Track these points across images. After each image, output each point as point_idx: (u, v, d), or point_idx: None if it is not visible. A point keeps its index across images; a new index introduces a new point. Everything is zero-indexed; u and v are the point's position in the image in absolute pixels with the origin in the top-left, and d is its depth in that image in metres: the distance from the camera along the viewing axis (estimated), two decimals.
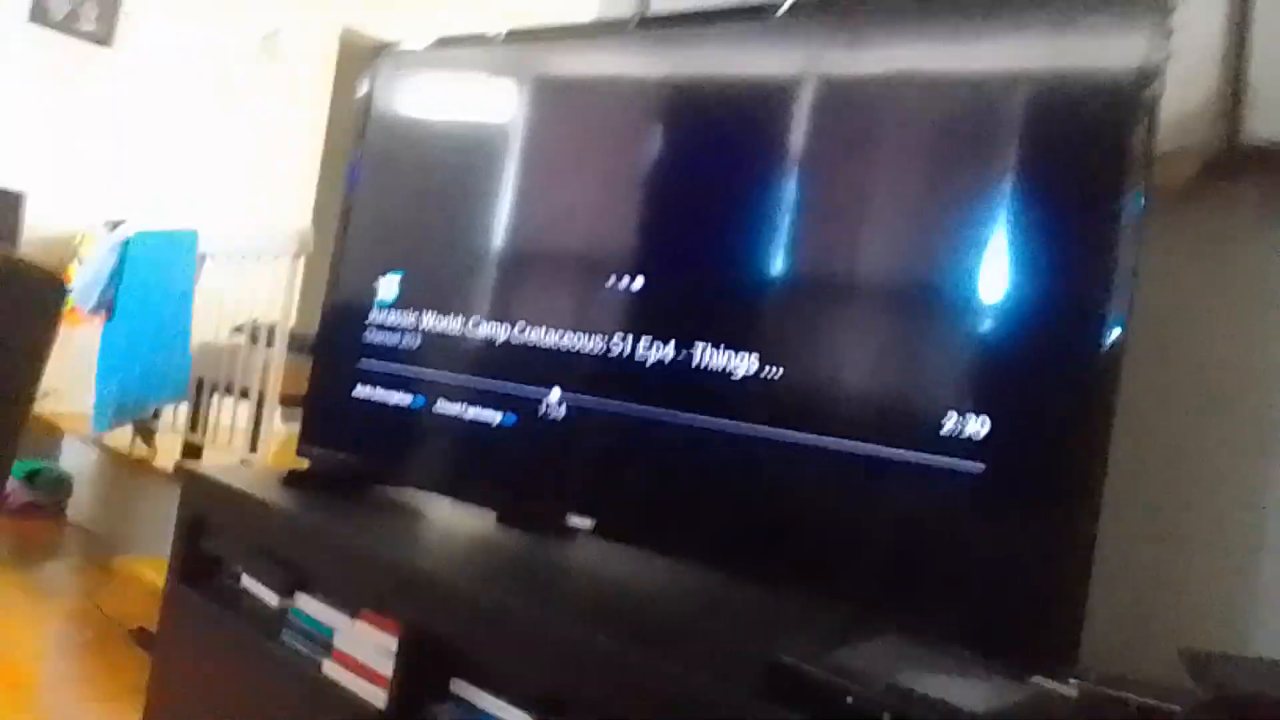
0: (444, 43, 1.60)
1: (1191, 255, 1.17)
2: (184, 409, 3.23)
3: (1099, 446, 0.91)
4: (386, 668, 1.16)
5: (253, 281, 2.97)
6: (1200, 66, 1.13)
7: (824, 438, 1.07)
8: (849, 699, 0.74)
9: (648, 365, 1.22)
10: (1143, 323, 1.05)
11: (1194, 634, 1.08)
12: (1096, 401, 0.91)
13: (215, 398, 3.12)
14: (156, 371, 3.14)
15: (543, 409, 1.31)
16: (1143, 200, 0.93)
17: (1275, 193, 1.11)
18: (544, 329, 1.33)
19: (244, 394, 2.96)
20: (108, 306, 3.38)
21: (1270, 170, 1.11)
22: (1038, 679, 0.80)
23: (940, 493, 0.99)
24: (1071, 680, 0.81)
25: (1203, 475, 1.13)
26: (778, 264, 1.15)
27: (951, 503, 0.98)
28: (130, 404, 3.22)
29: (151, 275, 3.25)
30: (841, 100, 1.16)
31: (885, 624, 0.90)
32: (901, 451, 1.01)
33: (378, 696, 1.16)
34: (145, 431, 3.42)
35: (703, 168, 1.25)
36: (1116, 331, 0.91)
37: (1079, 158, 0.99)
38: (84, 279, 3.47)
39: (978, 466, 0.96)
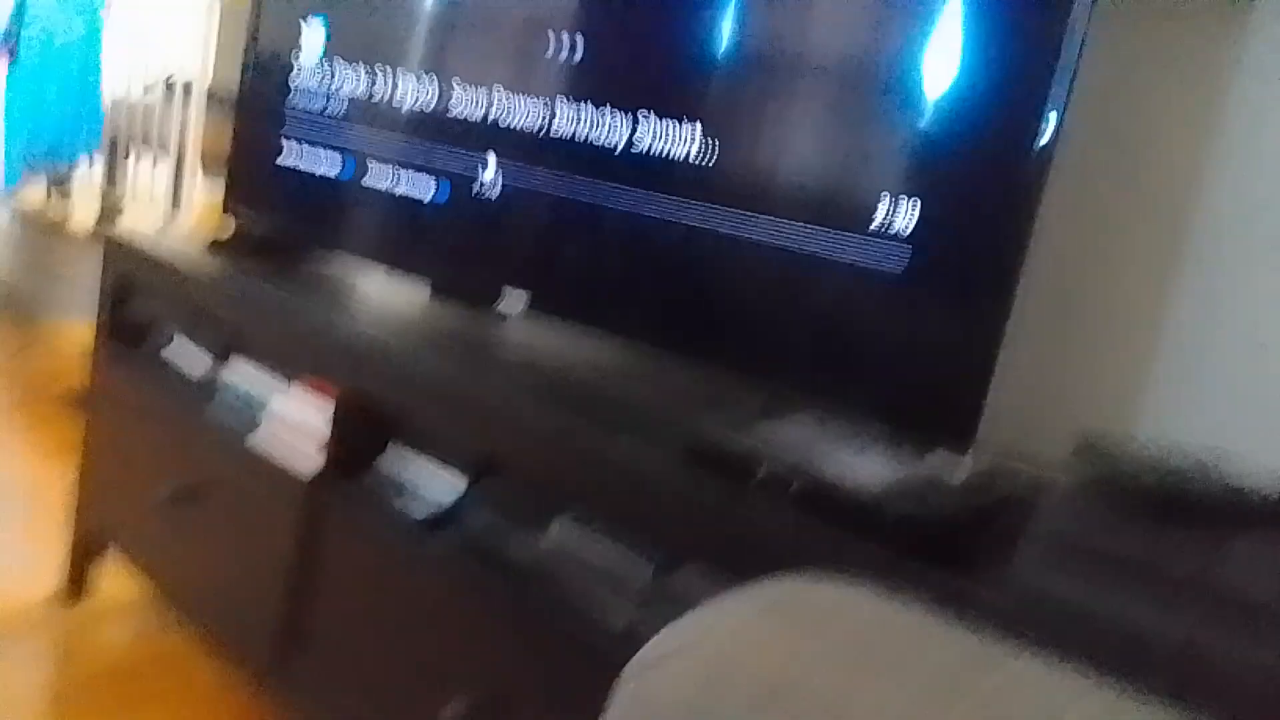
0: None
1: (1141, 43, 1.15)
2: (100, 169, 3.10)
3: (1020, 237, 0.92)
4: (323, 431, 1.19)
5: (165, 33, 2.77)
6: None
7: (758, 215, 1.07)
8: (760, 472, 0.79)
9: (586, 133, 1.18)
10: (1083, 108, 1.05)
11: (1094, 421, 1.15)
12: (1024, 193, 0.92)
13: (132, 158, 2.99)
14: (67, 120, 2.99)
15: (478, 178, 1.28)
16: None
17: None
18: (480, 89, 1.28)
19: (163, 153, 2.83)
20: (11, 49, 3.16)
21: None
22: (938, 453, 0.85)
23: (864, 276, 1.00)
24: (967, 455, 0.86)
25: (1118, 266, 1.17)
26: (724, 32, 1.11)
27: (873, 286, 1.00)
28: (41, 154, 3.09)
29: (56, 13, 3.04)
30: None
31: (802, 403, 0.94)
32: (831, 232, 1.02)
33: (315, 459, 1.19)
34: (61, 188, 3.28)
35: None
36: (1052, 123, 0.91)
37: None
38: None
39: (904, 249, 0.98)
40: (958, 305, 0.96)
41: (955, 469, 0.84)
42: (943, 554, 0.74)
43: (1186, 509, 0.67)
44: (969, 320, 0.95)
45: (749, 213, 1.07)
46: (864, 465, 0.80)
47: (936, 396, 0.96)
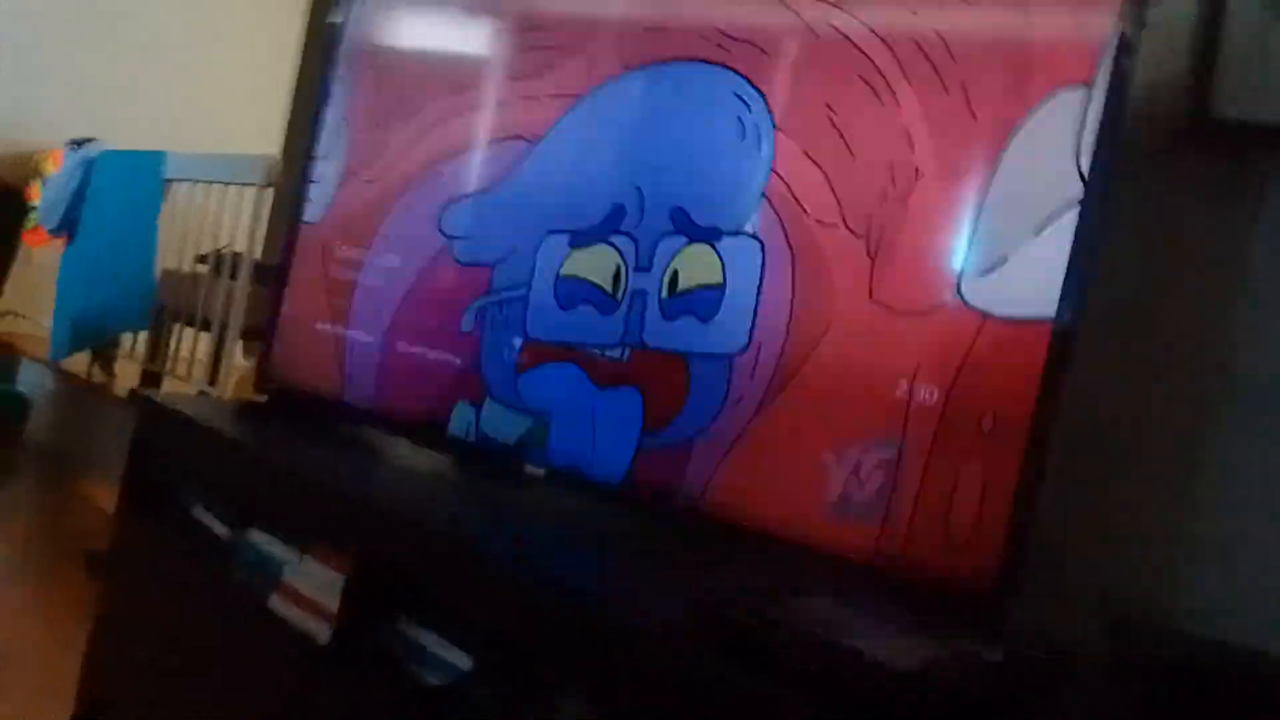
0: None
1: (1152, 224, 1.17)
2: (144, 337, 3.19)
3: (1047, 420, 0.92)
4: (333, 603, 1.16)
5: (220, 210, 2.92)
6: (1175, 39, 1.13)
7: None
8: (779, 649, 0.75)
9: (614, 315, 1.21)
10: (1102, 288, 1.06)
11: (1120, 603, 1.11)
12: (1049, 379, 0.92)
13: (177, 327, 3.08)
14: (117, 299, 3.08)
15: (505, 353, 1.30)
16: (1109, 171, 0.93)
17: (1236, 166, 1.12)
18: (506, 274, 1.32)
19: (206, 325, 2.92)
20: (70, 228, 3.31)
21: (1233, 144, 1.11)
22: (963, 639, 0.82)
23: (884, 448, 0.99)
24: (996, 642, 0.82)
25: (1145, 442, 1.15)
26: None
27: (891, 460, 0.99)
28: (89, 332, 3.16)
29: (115, 197, 3.18)
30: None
31: (819, 581, 0.92)
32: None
33: (323, 631, 1.17)
34: (104, 359, 3.38)
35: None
36: (1071, 311, 0.92)
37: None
38: (47, 198, 3.40)
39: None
40: (980, 485, 0.94)
41: (986, 649, 0.80)
42: None
43: (1220, 695, 0.63)
44: (997, 497, 0.93)
45: None
46: (889, 644, 0.77)
47: (962, 580, 0.93)
